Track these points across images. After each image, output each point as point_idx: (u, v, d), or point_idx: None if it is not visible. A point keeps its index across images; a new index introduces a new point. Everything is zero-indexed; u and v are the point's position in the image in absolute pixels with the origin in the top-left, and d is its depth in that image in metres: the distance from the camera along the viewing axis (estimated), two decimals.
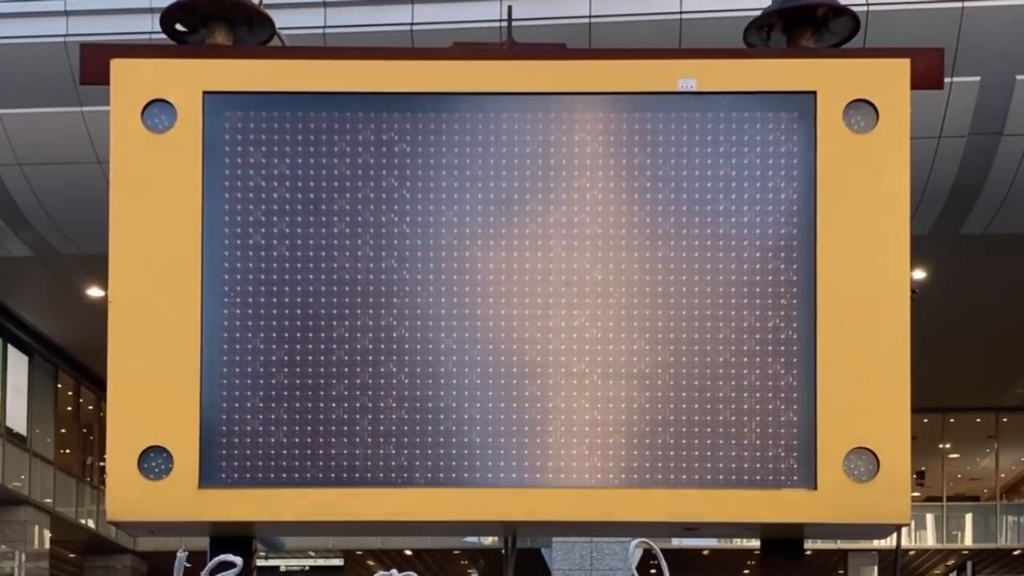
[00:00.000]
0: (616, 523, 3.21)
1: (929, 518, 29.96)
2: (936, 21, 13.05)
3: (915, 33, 12.44)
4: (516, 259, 3.16)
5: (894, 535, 3.37)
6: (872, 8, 12.21)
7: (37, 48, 14.22)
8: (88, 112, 14.22)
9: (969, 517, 30.46)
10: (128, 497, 3.13)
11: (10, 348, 23.47)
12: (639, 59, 3.21)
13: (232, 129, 3.16)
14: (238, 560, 2.78)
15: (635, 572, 3.03)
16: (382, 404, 3.15)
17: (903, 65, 3.18)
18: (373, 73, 3.19)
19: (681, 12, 13.11)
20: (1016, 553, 30.20)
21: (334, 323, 3.15)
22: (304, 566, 32.47)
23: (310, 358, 3.15)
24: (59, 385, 26.37)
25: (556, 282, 3.16)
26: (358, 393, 3.15)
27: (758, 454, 3.14)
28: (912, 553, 29.41)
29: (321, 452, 3.14)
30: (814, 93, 3.15)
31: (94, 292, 19.80)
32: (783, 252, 3.15)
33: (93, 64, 3.22)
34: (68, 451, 27.84)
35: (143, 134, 3.15)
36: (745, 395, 3.15)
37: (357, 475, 3.14)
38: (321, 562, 32.27)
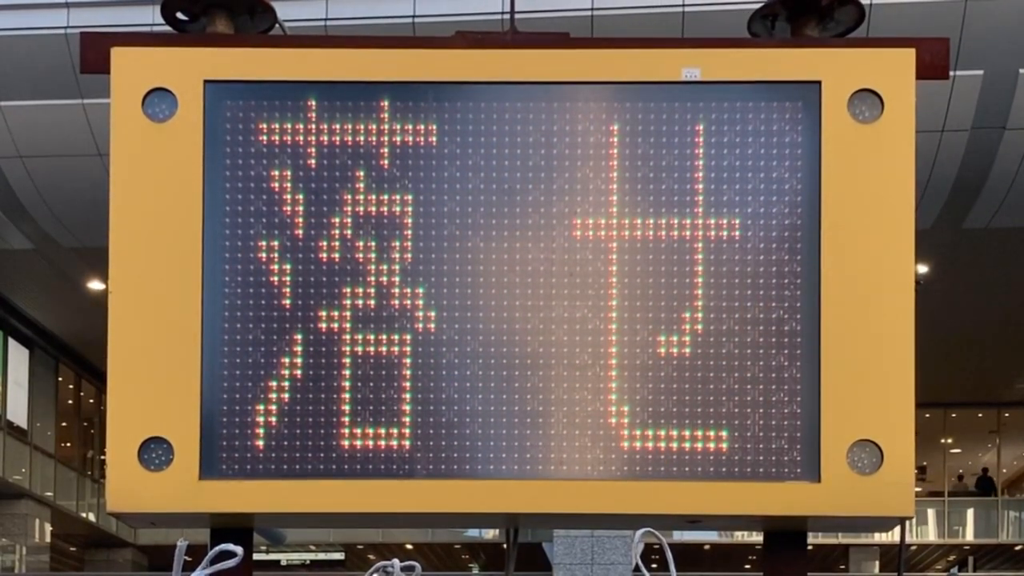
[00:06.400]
0: (619, 515, 3.19)
1: (930, 513, 29.97)
2: (939, 14, 13.04)
3: (918, 26, 12.43)
4: (518, 249, 3.14)
5: (896, 529, 3.35)
6: (875, 0, 12.19)
7: (38, 40, 14.22)
8: (89, 104, 14.22)
9: (970, 512, 30.46)
10: (128, 488, 3.11)
11: (11, 341, 23.48)
12: (643, 48, 3.20)
13: (233, 118, 3.14)
14: (238, 549, 2.77)
15: (639, 562, 3.01)
16: (383, 395, 3.13)
17: (908, 55, 3.16)
18: (375, 62, 3.17)
19: (684, 5, 13.11)
20: (1018, 548, 30.21)
21: (335, 313, 3.13)
22: (305, 560, 32.49)
23: (311, 349, 3.13)
24: (60, 378, 26.39)
25: (558, 273, 3.14)
26: (359, 384, 3.13)
27: (761, 446, 3.12)
28: (914, 548, 29.43)
29: (322, 443, 3.12)
30: (819, 83, 3.13)
31: (95, 285, 19.80)
32: (787, 243, 3.13)
33: (93, 53, 3.20)
34: (69, 444, 27.86)
35: (143, 123, 3.13)
36: (748, 387, 3.13)
37: (358, 467, 3.12)
38: (322, 556, 32.29)
